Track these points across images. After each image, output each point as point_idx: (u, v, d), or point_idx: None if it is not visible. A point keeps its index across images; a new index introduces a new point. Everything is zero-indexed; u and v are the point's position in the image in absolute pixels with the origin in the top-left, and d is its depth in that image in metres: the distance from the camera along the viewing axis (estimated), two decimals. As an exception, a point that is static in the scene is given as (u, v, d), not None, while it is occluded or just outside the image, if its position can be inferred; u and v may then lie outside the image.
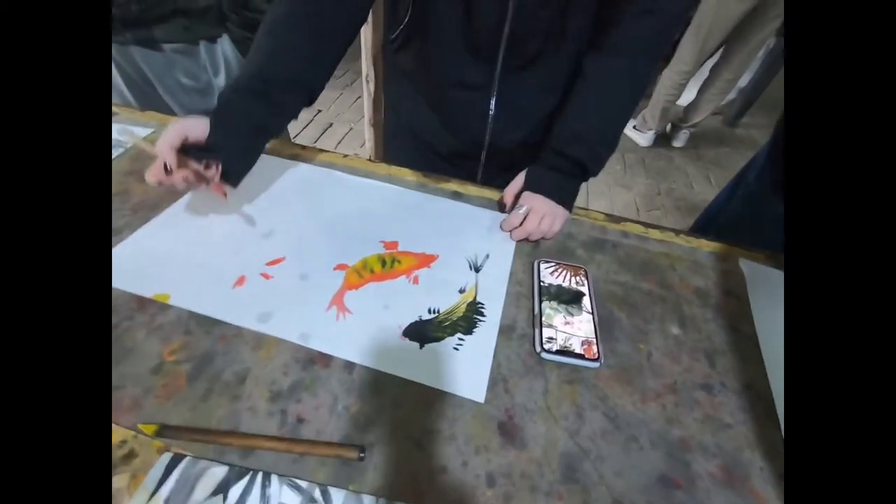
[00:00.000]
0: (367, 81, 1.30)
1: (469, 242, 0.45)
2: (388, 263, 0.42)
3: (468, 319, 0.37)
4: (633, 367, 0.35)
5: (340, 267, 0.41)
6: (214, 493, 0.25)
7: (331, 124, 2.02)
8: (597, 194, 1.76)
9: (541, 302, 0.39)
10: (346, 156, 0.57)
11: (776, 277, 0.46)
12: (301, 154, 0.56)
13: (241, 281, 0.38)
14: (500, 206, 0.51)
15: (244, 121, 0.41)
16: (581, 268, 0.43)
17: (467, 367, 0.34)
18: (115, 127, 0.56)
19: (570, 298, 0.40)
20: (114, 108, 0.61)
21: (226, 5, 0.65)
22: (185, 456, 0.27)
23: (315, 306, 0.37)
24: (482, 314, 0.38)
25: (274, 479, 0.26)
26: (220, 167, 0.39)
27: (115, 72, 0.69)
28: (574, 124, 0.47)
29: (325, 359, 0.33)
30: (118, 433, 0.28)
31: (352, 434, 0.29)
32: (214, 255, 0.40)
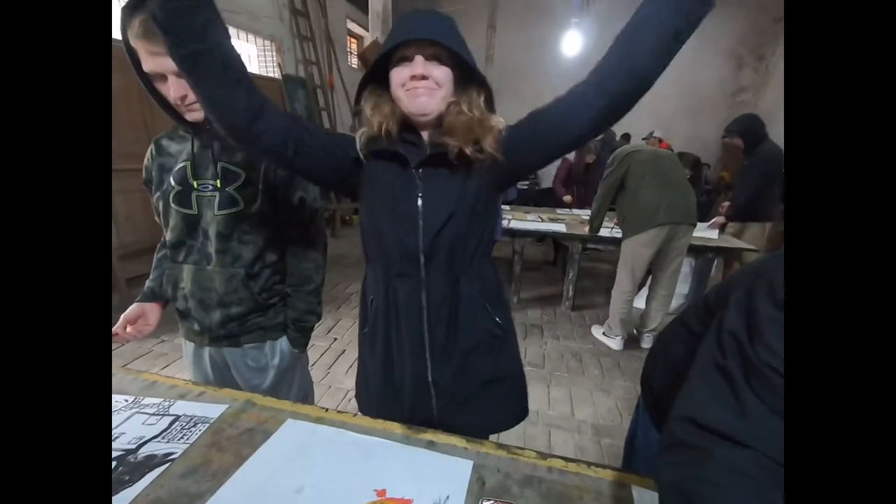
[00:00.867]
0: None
1: (435, 486, 0.65)
2: (379, 509, 0.61)
3: (431, 555, 0.55)
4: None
5: (346, 515, 0.60)
6: None
7: (344, 350, 2.37)
8: (580, 401, 1.92)
9: (481, 536, 0.57)
10: (355, 415, 0.83)
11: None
12: (324, 416, 0.82)
13: (280, 532, 0.57)
14: None
15: None
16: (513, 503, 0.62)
17: None
18: (198, 405, 0.84)
19: (501, 531, 0.58)
20: (202, 388, 0.91)
21: (290, 317, 1.04)
22: None
23: (328, 550, 0.55)
24: (441, 549, 0.55)
25: None
26: None
27: (208, 363, 1.04)
28: None
29: None
30: None
31: None
32: (264, 510, 0.61)
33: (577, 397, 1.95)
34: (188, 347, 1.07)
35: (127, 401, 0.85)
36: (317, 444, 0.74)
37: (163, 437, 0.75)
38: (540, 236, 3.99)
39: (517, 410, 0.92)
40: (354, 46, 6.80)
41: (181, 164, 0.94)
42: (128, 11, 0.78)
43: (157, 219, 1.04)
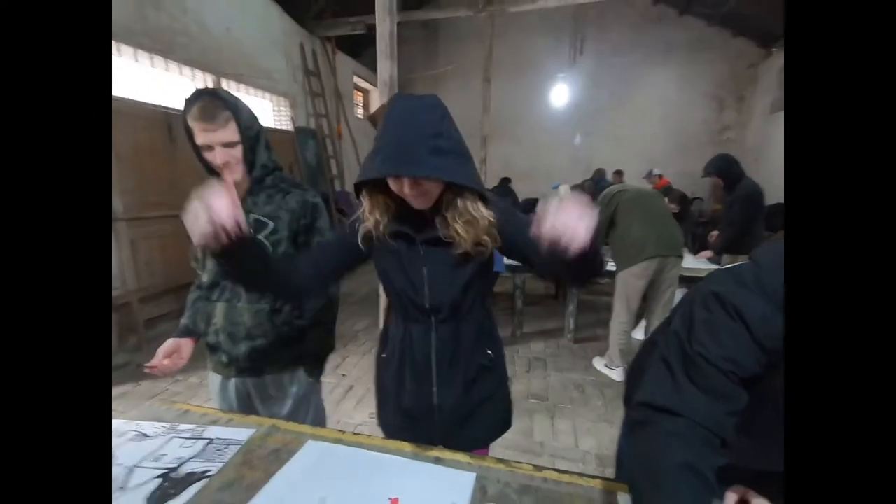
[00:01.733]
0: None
1: (442, 495, 0.74)
2: (393, 514, 0.70)
3: (440, 551, 0.63)
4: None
5: (365, 519, 0.69)
6: None
7: (352, 386, 2.43)
8: (583, 432, 1.95)
9: (483, 534, 0.65)
10: (369, 436, 0.92)
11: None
12: (342, 439, 0.91)
13: (308, 533, 0.66)
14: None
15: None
16: None
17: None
18: (228, 430, 0.94)
19: (501, 530, 0.66)
20: (230, 416, 1.01)
21: (307, 349, 1.16)
22: None
23: (350, 548, 0.63)
24: (448, 546, 0.64)
25: None
26: None
27: (233, 393, 1.14)
28: None
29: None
30: None
31: None
32: (293, 516, 0.69)
33: (580, 428, 1.98)
34: (215, 380, 1.18)
35: (164, 427, 0.95)
36: (336, 461, 0.83)
37: (200, 457, 0.84)
38: (540, 271, 4.11)
39: (505, 419, 1.04)
40: (360, 99, 7.33)
41: None
42: (189, 100, 0.97)
43: (193, 264, 1.18)
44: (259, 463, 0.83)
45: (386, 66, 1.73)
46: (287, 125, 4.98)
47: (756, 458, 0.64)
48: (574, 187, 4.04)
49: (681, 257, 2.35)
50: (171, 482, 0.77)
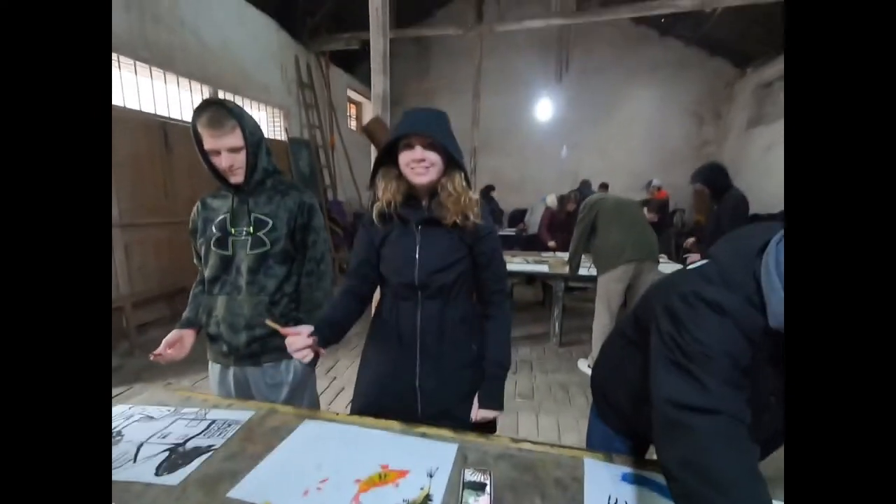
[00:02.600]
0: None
1: (427, 461, 0.82)
2: (383, 476, 0.78)
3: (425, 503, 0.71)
4: (511, 523, 0.67)
5: (358, 480, 0.77)
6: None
7: (343, 388, 2.48)
8: (567, 428, 2.04)
9: (463, 489, 0.73)
10: (361, 417, 1.00)
11: (612, 472, 0.81)
12: (335, 418, 0.99)
13: (306, 492, 0.73)
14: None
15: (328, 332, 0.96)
16: (486, 470, 0.79)
17: (421, 527, 0.66)
18: (230, 412, 1.01)
19: (478, 486, 0.74)
20: (231, 401, 1.08)
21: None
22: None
23: (346, 502, 0.71)
24: (431, 500, 0.72)
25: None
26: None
27: (231, 382, 1.21)
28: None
29: (349, 529, 0.65)
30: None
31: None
32: (290, 483, 0.77)
33: (563, 425, 2.06)
34: (214, 369, 1.24)
35: (170, 410, 1.02)
36: (331, 436, 0.91)
37: (204, 435, 0.91)
38: (528, 278, 4.23)
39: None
40: (353, 111, 7.48)
41: (222, 216, 1.18)
42: (198, 108, 1.06)
43: (195, 261, 1.26)
44: (260, 439, 0.90)
45: (380, 80, 1.85)
46: (281, 135, 5.08)
47: None
48: (561, 197, 4.20)
49: (657, 262, 2.48)
50: (179, 454, 0.84)
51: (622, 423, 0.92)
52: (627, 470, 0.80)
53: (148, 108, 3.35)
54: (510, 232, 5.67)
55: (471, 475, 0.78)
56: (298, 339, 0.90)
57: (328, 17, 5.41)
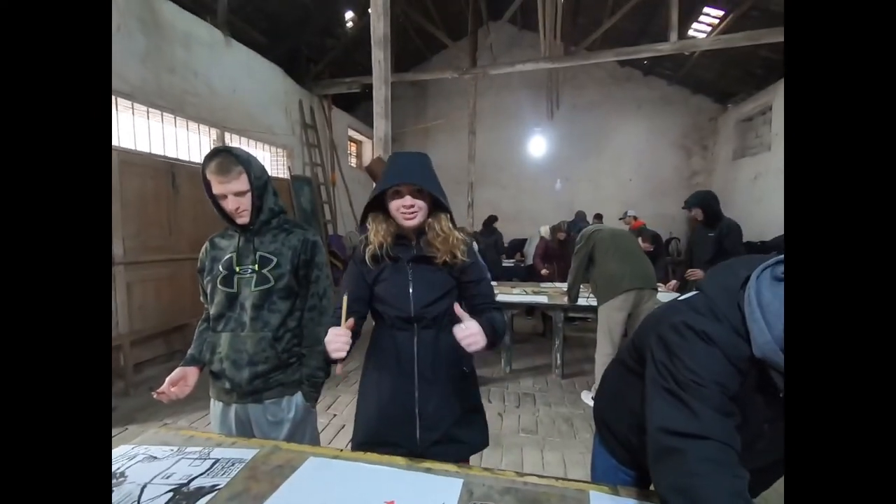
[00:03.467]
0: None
1: (433, 496, 0.82)
2: (389, 514, 0.77)
3: (431, 541, 0.71)
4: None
5: (363, 518, 0.76)
6: None
7: (343, 426, 2.43)
8: (572, 463, 1.99)
9: (469, 526, 0.73)
10: (365, 453, 1.00)
11: None
12: (339, 455, 0.99)
13: (312, 531, 0.73)
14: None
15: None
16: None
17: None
18: (233, 450, 1.00)
19: (484, 522, 0.74)
20: (234, 439, 1.08)
21: (304, 374, 1.25)
22: None
23: (350, 541, 0.71)
24: (438, 537, 0.72)
25: None
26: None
27: (233, 420, 1.21)
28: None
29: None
30: None
31: None
32: (297, 518, 0.76)
33: (569, 460, 2.01)
34: (216, 407, 1.24)
35: (172, 450, 1.01)
36: (336, 473, 0.91)
37: (208, 474, 0.91)
38: (527, 308, 4.24)
39: (483, 435, 1.15)
40: (354, 149, 7.75)
41: (228, 255, 1.22)
42: (208, 156, 1.14)
43: (201, 298, 1.30)
44: (264, 477, 0.90)
45: (381, 124, 1.97)
46: (284, 173, 5.25)
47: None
48: (553, 228, 4.29)
49: (656, 290, 2.52)
50: (183, 495, 0.84)
51: (626, 453, 0.93)
52: (633, 502, 0.80)
53: (157, 150, 3.49)
54: (510, 263, 5.72)
55: (476, 510, 0.78)
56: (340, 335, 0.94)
57: (331, 64, 5.75)
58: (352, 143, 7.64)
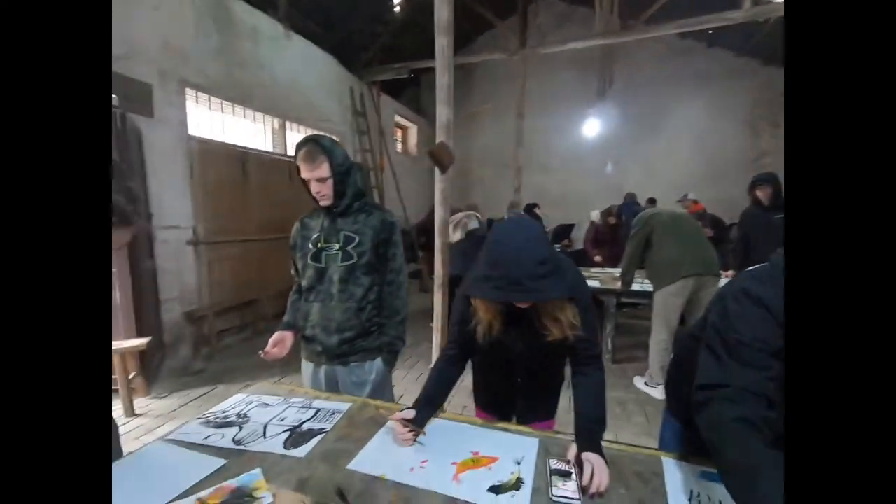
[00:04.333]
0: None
1: (514, 450, 0.91)
2: (476, 461, 0.88)
3: (517, 486, 0.80)
4: (599, 505, 0.74)
5: (454, 463, 0.87)
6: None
7: (401, 396, 2.61)
8: (627, 444, 2.02)
9: (550, 475, 0.82)
10: (445, 412, 1.11)
11: (691, 470, 0.85)
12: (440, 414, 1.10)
13: (412, 469, 0.85)
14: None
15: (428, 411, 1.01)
16: (570, 461, 0.86)
17: None
18: (331, 403, 1.15)
19: (564, 474, 0.82)
20: (328, 395, 1.23)
21: (384, 342, 1.38)
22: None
23: (445, 479, 0.82)
24: (522, 483, 0.81)
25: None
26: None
27: (322, 379, 1.37)
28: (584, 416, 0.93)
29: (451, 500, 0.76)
30: None
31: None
32: (397, 462, 0.89)
33: (623, 440, 2.03)
34: (308, 368, 1.41)
35: (280, 399, 1.18)
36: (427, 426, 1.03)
37: (314, 420, 1.06)
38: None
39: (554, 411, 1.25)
40: (400, 135, 7.89)
41: (316, 234, 1.36)
42: (299, 145, 1.26)
43: (292, 272, 1.45)
44: (361, 425, 1.03)
45: (444, 111, 2.03)
46: (336, 160, 5.49)
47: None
48: (603, 212, 4.18)
49: (718, 277, 2.42)
50: (298, 434, 0.99)
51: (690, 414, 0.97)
52: (705, 468, 0.84)
53: (229, 139, 3.80)
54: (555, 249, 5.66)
55: (556, 464, 0.86)
56: (402, 433, 0.94)
57: (380, 51, 5.85)
58: (398, 129, 7.78)
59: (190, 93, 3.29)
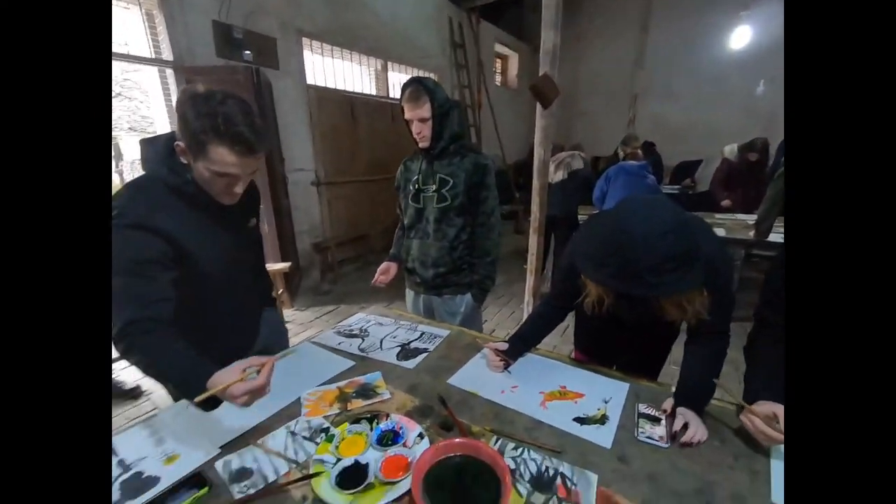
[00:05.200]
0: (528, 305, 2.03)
1: (601, 391, 0.95)
2: (563, 393, 0.94)
3: (603, 421, 0.85)
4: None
5: (542, 392, 0.95)
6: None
7: (493, 330, 2.79)
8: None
9: (638, 417, 0.84)
10: (538, 348, 1.18)
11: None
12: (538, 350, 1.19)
13: (503, 392, 0.95)
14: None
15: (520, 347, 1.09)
16: (665, 409, 0.86)
17: (604, 437, 0.80)
18: (431, 328, 1.31)
19: (653, 419, 0.84)
20: (429, 321, 1.40)
21: (475, 279, 1.47)
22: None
23: (533, 404, 0.90)
24: (608, 419, 0.85)
25: (531, 450, 0.76)
26: None
27: (421, 306, 1.54)
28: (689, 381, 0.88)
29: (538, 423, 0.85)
30: (476, 429, 0.83)
31: (556, 445, 0.78)
32: (489, 384, 1.00)
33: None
34: (410, 295, 1.60)
35: (391, 321, 1.39)
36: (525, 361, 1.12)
37: (419, 340, 1.23)
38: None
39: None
40: (499, 65, 7.39)
41: (416, 176, 1.45)
42: (404, 85, 1.30)
43: (397, 210, 1.60)
44: (460, 347, 1.17)
45: (550, 35, 1.84)
46: (435, 99, 5.47)
47: None
48: (743, 146, 3.42)
49: None
50: (407, 350, 1.17)
51: None
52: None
53: (340, 85, 4.05)
54: (673, 190, 4.98)
55: (645, 409, 0.87)
56: (494, 360, 1.02)
57: (480, -30, 5.35)
58: (497, 60, 7.28)
59: (305, 42, 3.54)
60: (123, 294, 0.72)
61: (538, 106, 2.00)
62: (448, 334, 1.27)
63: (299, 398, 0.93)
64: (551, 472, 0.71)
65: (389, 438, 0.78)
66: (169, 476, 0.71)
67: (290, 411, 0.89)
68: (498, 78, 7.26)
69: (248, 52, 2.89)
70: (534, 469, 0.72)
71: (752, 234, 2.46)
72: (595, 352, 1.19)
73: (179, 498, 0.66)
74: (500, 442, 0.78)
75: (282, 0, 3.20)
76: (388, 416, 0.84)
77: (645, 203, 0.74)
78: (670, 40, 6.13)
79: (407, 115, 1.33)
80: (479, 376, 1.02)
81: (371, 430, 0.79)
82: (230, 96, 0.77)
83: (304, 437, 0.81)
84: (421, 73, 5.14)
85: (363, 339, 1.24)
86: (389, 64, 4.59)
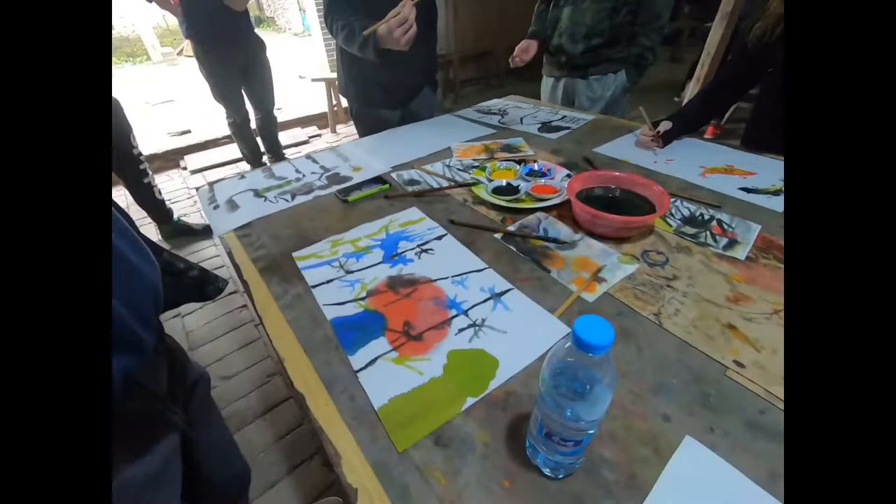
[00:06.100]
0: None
1: (777, 172, 0.82)
2: (728, 169, 0.85)
3: (777, 193, 0.76)
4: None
5: (702, 167, 0.87)
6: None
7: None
8: None
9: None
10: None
11: None
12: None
13: (655, 162, 0.90)
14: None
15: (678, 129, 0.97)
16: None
17: (777, 204, 0.73)
18: (574, 113, 1.23)
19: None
20: (572, 109, 1.30)
21: (633, 52, 1.25)
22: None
23: (692, 173, 0.84)
24: (782, 193, 0.76)
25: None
26: None
27: (560, 93, 1.41)
28: None
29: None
30: (624, 183, 0.82)
31: (715, 201, 0.74)
32: (644, 156, 0.94)
33: None
34: (547, 83, 1.47)
35: (530, 106, 1.33)
36: (671, 139, 1.01)
37: (561, 121, 1.17)
38: None
39: None
40: None
41: None
42: None
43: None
44: (604, 130, 1.09)
45: None
46: None
47: None
48: None
49: None
50: (548, 126, 1.13)
51: None
52: None
53: None
54: None
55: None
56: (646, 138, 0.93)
57: None
58: None
59: None
60: None
61: None
62: (592, 119, 1.18)
63: (450, 147, 1.02)
64: (706, 216, 0.70)
65: (538, 175, 0.83)
66: (358, 176, 0.90)
67: (443, 154, 0.99)
68: None
69: None
70: (686, 213, 0.71)
71: None
72: (768, 143, 1.00)
73: (369, 187, 0.84)
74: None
75: None
76: (535, 160, 0.88)
77: None
78: None
79: None
80: (629, 147, 0.97)
81: (520, 167, 0.85)
82: None
83: (459, 170, 0.90)
84: None
85: (503, 116, 1.24)
86: None
